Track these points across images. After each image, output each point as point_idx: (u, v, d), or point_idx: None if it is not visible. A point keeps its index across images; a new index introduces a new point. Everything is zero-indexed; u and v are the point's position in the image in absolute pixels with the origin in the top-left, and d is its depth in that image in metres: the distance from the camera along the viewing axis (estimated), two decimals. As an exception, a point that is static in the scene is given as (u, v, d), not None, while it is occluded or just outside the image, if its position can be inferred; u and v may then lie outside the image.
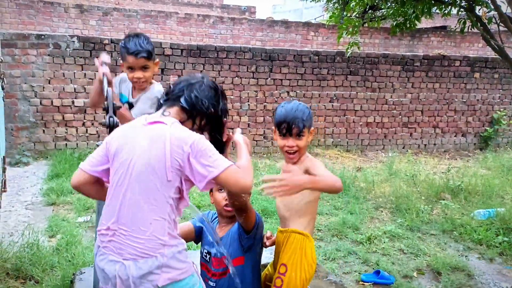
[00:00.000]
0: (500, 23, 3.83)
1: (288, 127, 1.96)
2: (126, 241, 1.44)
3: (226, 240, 2.08)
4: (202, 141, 1.48)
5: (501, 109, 8.59)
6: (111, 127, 1.79)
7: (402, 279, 3.40)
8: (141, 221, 1.44)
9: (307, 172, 1.94)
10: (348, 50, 5.22)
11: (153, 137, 1.47)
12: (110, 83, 2.08)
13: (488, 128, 8.59)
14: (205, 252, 2.15)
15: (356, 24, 4.39)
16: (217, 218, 2.21)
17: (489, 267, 3.73)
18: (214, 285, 2.08)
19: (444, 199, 5.15)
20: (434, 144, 8.53)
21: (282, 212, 2.09)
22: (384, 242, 4.06)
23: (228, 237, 2.09)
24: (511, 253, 3.88)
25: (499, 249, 3.97)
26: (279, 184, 1.68)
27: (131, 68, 2.32)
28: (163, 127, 1.48)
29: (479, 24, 4.22)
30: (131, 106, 2.44)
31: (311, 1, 12.05)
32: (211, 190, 2.14)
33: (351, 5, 4.37)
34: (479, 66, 8.38)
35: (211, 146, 1.49)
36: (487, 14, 4.24)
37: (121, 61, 2.39)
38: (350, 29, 4.45)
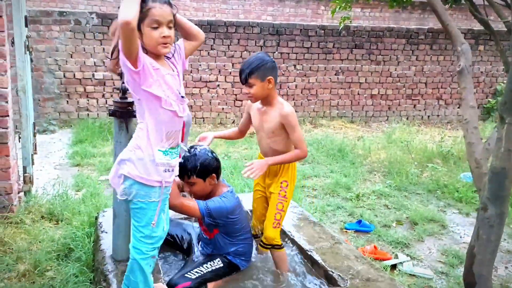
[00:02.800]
0: (483, -3, 4.11)
1: (240, 77, 2.41)
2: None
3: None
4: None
5: (505, 81, 8.76)
6: (123, 91, 2.27)
7: (381, 228, 3.85)
8: (137, 127, 1.94)
9: (282, 124, 2.40)
10: (341, 24, 5.55)
11: None
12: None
13: (491, 100, 8.81)
14: None
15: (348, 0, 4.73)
16: None
17: (464, 220, 4.15)
18: (205, 238, 2.56)
19: (434, 164, 5.54)
20: (438, 116, 8.81)
21: (273, 148, 2.49)
22: (371, 199, 4.51)
23: None
24: (485, 208, 4.28)
25: (476, 206, 4.37)
26: (250, 168, 2.30)
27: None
28: None
29: (466, -2, 4.48)
30: None
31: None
32: None
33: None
34: (484, 39, 8.54)
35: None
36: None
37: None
38: (343, 4, 4.79)
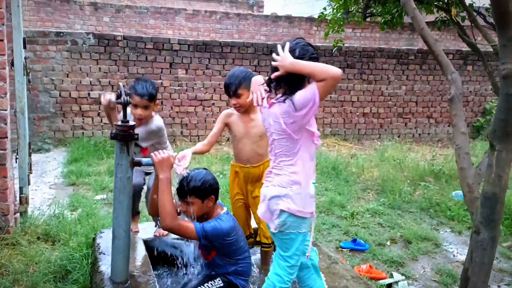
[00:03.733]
0: (471, 22, 4.27)
1: (227, 89, 2.66)
2: (274, 176, 2.08)
3: None
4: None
5: (493, 100, 8.96)
6: (124, 104, 2.33)
7: (376, 246, 3.90)
8: (282, 167, 2.06)
9: None
10: (335, 47, 5.69)
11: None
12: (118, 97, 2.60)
13: (480, 118, 8.99)
14: None
15: (341, 23, 4.87)
16: None
17: (456, 238, 4.22)
18: (205, 263, 2.59)
19: (426, 182, 5.62)
20: (428, 134, 8.96)
21: (257, 153, 2.71)
22: (366, 217, 4.56)
23: None
24: (477, 227, 4.35)
25: (468, 224, 4.44)
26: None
27: (135, 106, 2.90)
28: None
29: (455, 22, 4.66)
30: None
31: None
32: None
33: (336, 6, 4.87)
34: (472, 59, 8.76)
35: None
36: (460, 14, 4.67)
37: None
38: (336, 28, 4.94)
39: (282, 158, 2.04)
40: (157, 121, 3.06)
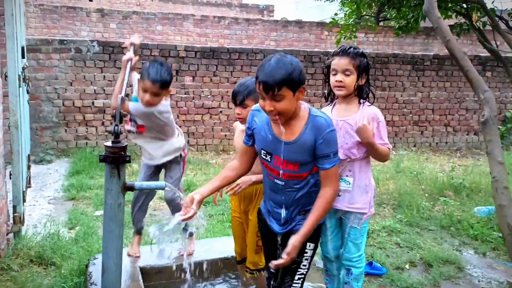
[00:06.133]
0: (493, 28, 3.97)
1: (234, 98, 2.50)
2: None
3: (296, 146, 2.00)
4: None
5: (514, 108, 8.60)
6: (115, 134, 2.07)
7: (394, 270, 3.59)
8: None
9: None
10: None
11: None
12: (133, 68, 2.44)
13: (500, 127, 8.58)
14: (263, 152, 2.11)
15: (353, 30, 4.60)
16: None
17: (481, 261, 3.88)
18: (283, 183, 2.07)
19: (446, 196, 5.29)
20: (446, 143, 8.59)
21: (254, 171, 2.35)
22: (382, 236, 4.25)
23: (299, 144, 2.00)
24: (504, 248, 4.01)
25: (493, 244, 4.11)
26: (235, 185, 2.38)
27: (145, 90, 2.64)
28: None
29: (475, 28, 4.36)
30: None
31: (325, 1, 12.20)
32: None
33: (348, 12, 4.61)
34: (491, 65, 8.40)
35: None
36: (481, 19, 4.37)
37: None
38: (348, 35, 4.67)
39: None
40: (162, 105, 2.78)
